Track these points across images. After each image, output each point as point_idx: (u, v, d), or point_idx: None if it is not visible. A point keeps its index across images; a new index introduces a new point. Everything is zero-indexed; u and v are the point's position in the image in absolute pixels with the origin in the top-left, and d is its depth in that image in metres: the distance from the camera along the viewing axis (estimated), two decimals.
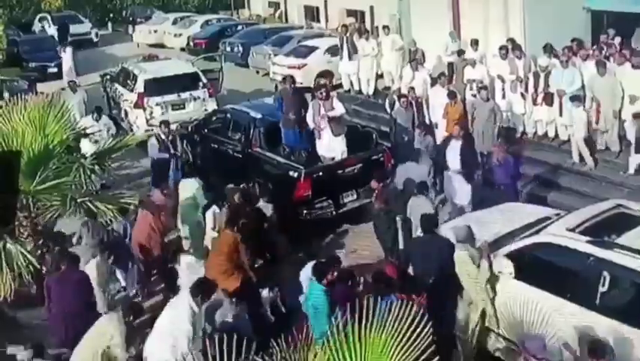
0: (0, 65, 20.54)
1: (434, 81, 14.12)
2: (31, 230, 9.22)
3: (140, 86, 16.45)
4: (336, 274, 7.43)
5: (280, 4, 32.78)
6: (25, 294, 8.96)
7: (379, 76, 17.41)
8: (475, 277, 7.33)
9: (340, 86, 18.16)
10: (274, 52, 21.93)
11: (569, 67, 12.70)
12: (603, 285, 6.70)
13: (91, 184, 9.58)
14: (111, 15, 38.47)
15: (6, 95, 17.09)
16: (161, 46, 29.64)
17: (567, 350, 6.70)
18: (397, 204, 9.86)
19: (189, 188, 10.94)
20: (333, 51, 19.01)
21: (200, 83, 16.93)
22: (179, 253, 9.87)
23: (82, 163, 9.29)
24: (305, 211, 11.24)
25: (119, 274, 9.83)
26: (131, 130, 16.25)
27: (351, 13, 26.45)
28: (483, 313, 7.51)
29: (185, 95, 16.57)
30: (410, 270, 8.38)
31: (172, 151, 12.61)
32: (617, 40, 13.93)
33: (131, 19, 36.07)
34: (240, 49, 24.68)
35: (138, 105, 16.26)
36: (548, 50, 13.35)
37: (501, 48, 13.91)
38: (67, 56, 22.69)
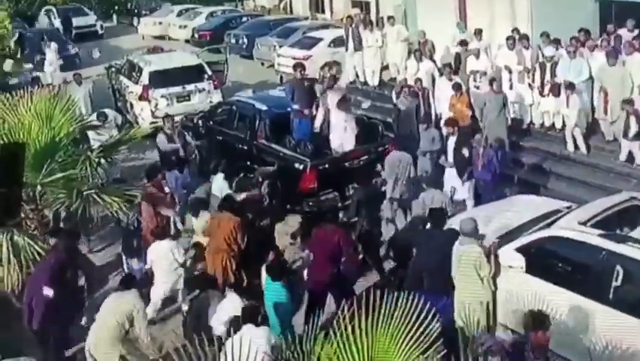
0: (6, 57, 20.38)
1: (440, 72, 13.94)
2: (38, 222, 9.12)
3: (145, 79, 16.32)
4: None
5: None
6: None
7: (384, 67, 17.22)
8: (483, 271, 7.19)
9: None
10: (279, 43, 21.71)
11: (577, 57, 12.51)
12: (616, 279, 6.55)
13: (97, 177, 9.46)
14: (116, 7, 38.29)
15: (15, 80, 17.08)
16: (166, 38, 29.50)
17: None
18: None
19: (219, 183, 10.92)
20: (338, 42, 18.80)
21: (205, 75, 16.79)
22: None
23: (88, 156, 9.20)
24: (310, 203, 11.11)
25: (132, 263, 9.81)
26: (137, 122, 16.16)
27: (355, 4, 26.21)
28: (487, 308, 7.36)
29: (190, 87, 16.45)
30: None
31: (180, 142, 12.43)
32: (623, 31, 13.64)
33: (135, 11, 35.92)
34: (245, 40, 24.50)
35: (143, 97, 16.14)
36: (550, 40, 13.11)
37: (508, 39, 13.72)
38: (51, 54, 20.71)
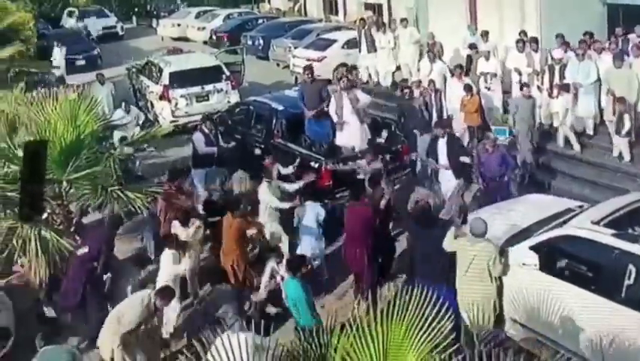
0: (31, 58, 20.47)
1: (451, 73, 13.84)
2: (64, 217, 9.14)
3: (165, 79, 16.37)
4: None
5: None
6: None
7: (397, 68, 17.13)
8: (496, 270, 7.12)
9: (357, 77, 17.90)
10: (294, 45, 21.68)
11: (585, 60, 12.38)
12: (629, 278, 6.44)
13: (121, 175, 9.46)
14: (136, 9, 38.44)
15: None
16: (185, 39, 29.53)
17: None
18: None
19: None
20: (352, 44, 18.74)
21: (223, 76, 16.79)
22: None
23: (111, 153, 9.21)
24: (326, 201, 11.05)
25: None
26: (157, 121, 16.20)
27: (368, 6, 26.10)
28: (494, 305, 7.29)
29: (208, 87, 16.46)
30: None
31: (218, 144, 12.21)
32: (632, 35, 13.50)
33: (155, 13, 35.99)
34: (261, 42, 24.47)
35: (164, 97, 16.19)
36: (563, 42, 13.00)
37: (517, 41, 13.61)
38: (59, 56, 20.32)
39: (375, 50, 16.72)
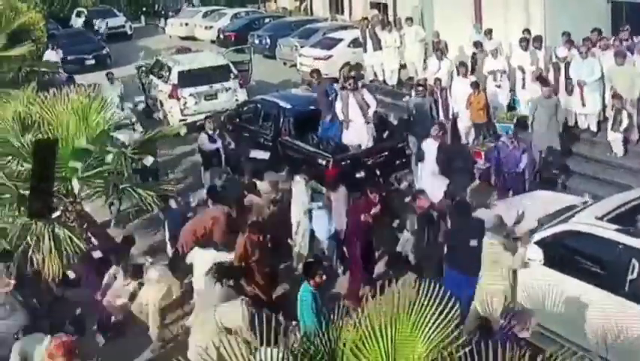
0: (41, 58, 20.56)
1: (458, 71, 13.86)
2: (77, 214, 9.21)
3: (174, 78, 16.43)
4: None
5: None
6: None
7: (402, 66, 17.15)
8: (502, 263, 7.16)
9: (363, 77, 17.92)
10: (300, 44, 21.74)
11: (589, 57, 12.37)
12: (632, 273, 6.49)
13: (132, 173, 9.54)
14: (144, 9, 38.52)
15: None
16: (193, 38, 29.62)
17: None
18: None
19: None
20: (358, 43, 18.72)
21: (231, 75, 16.85)
22: None
23: (123, 152, 9.26)
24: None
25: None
26: (166, 119, 16.30)
27: (374, 5, 26.12)
28: (504, 299, 7.30)
29: (217, 86, 16.52)
30: None
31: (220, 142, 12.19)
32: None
33: (163, 12, 36.07)
34: (268, 41, 24.53)
35: (172, 96, 16.25)
36: (568, 40, 12.99)
37: (521, 40, 13.60)
38: (56, 58, 19.88)
39: (381, 49, 16.74)
